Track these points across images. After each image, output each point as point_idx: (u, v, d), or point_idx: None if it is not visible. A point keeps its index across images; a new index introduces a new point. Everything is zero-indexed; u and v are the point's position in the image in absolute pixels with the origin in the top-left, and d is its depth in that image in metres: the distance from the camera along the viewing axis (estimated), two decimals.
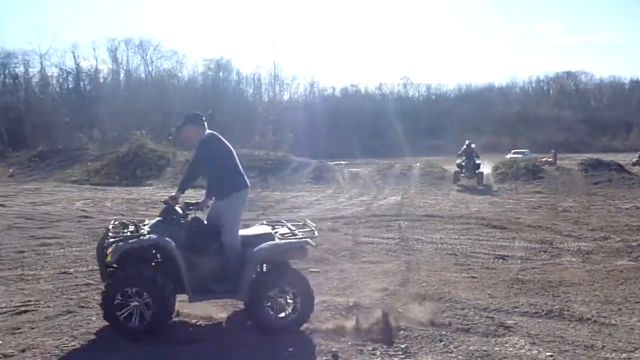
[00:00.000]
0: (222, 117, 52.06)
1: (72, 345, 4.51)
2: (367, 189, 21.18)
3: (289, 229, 5.35)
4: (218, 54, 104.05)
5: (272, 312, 4.77)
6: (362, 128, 61.64)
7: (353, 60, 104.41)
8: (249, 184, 5.42)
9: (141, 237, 4.71)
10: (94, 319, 5.09)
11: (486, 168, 23.07)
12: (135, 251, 4.67)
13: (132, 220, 5.44)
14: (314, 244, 5.02)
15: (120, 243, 4.64)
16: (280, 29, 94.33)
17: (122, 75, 62.21)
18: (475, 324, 5.09)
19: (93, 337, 4.71)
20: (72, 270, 7.14)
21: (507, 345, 4.61)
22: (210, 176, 5.21)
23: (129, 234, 4.84)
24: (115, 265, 4.72)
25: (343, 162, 34.50)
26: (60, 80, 59.32)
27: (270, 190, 20.72)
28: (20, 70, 55.22)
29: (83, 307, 5.55)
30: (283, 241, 4.99)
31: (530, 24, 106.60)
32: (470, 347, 4.52)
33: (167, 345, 4.50)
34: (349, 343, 4.58)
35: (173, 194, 5.22)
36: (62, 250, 8.45)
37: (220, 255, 4.92)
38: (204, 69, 64.82)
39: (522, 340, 4.70)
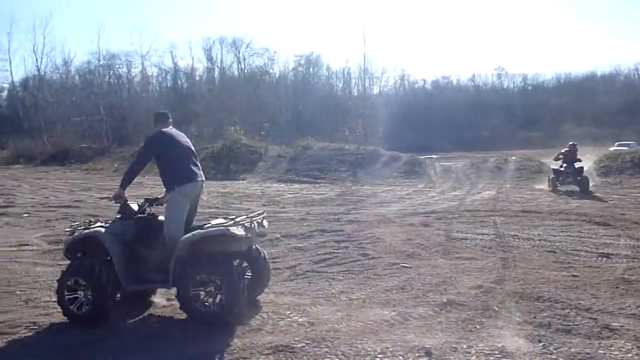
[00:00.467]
0: (312, 112, 52.92)
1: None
2: (460, 183, 20.72)
3: (234, 220, 5.23)
4: (308, 49, 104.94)
5: (198, 301, 4.77)
6: (454, 121, 60.36)
7: (445, 51, 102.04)
8: (197, 178, 5.33)
9: (85, 231, 5.12)
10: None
11: (587, 162, 21.68)
12: (84, 243, 5.10)
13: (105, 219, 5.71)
14: (238, 233, 4.86)
15: (69, 236, 5.16)
16: (370, 21, 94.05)
17: (216, 73, 64.39)
18: (577, 325, 4.82)
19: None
20: None
21: (613, 348, 4.33)
22: (159, 171, 5.32)
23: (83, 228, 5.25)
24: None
25: (434, 156, 33.97)
26: (160, 79, 62.44)
27: (360, 185, 20.76)
28: (123, 70, 58.61)
29: None
30: (202, 230, 4.95)
31: (637, 7, 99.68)
32: (572, 350, 4.29)
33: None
34: (443, 340, 4.49)
35: (117, 191, 5.32)
36: None
37: (163, 246, 5.05)
38: (295, 64, 65.89)
39: (629, 344, 4.40)
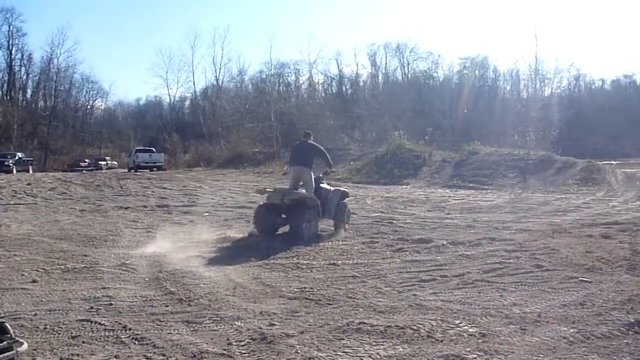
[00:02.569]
0: (478, 115, 51.47)
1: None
2: None
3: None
4: (474, 51, 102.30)
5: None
6: (637, 124, 54.92)
7: (627, 48, 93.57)
8: (291, 165, 10.92)
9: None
10: (360, 310, 5.40)
11: None
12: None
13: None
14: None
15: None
16: (541, 20, 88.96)
17: (380, 78, 65.26)
18: None
19: (357, 326, 4.96)
20: (339, 262, 7.69)
21: None
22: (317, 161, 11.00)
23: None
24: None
25: (614, 162, 31.27)
26: (325, 85, 64.74)
27: (530, 192, 19.82)
28: (292, 78, 61.77)
29: (350, 297, 5.91)
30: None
31: None
32: None
33: None
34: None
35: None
36: (329, 243, 9.16)
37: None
38: (460, 67, 64.58)
39: None
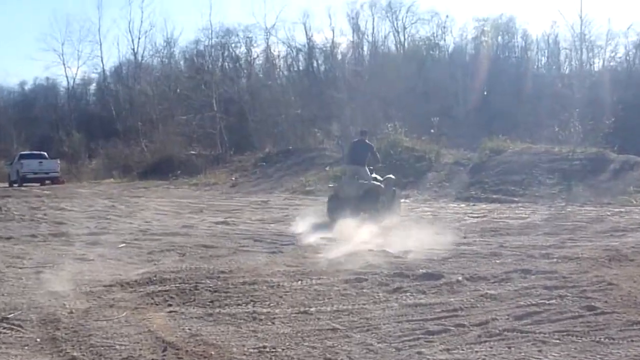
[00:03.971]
0: (503, 99, 51.89)
1: None
2: None
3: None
4: (495, 11, 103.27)
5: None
6: None
7: None
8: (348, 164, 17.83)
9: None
10: None
11: None
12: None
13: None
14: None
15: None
16: None
17: (365, 49, 65.50)
18: None
19: None
20: (313, 309, 7.68)
21: None
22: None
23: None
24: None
25: None
26: (289, 60, 64.56)
27: (578, 204, 20.11)
28: (241, 51, 61.49)
29: (329, 359, 5.91)
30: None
31: None
32: None
33: None
34: None
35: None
36: (299, 282, 9.15)
37: None
38: (476, 33, 64.92)
39: None
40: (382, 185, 16.91)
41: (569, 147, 26.37)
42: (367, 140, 17.57)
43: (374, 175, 17.04)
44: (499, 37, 65.37)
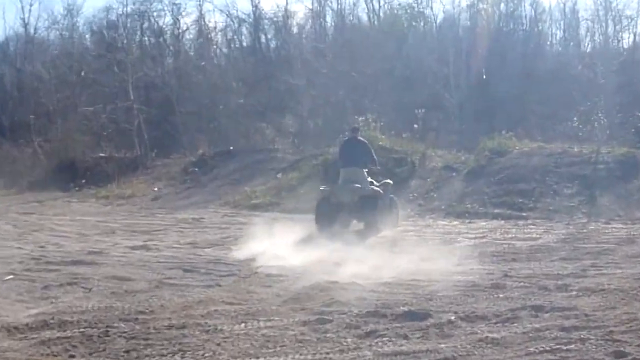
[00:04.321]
0: (505, 84, 52.10)
1: None
2: None
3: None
4: None
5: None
6: None
7: None
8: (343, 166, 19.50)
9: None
10: None
11: None
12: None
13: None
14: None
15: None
16: None
17: (329, 19, 65.35)
18: None
19: None
20: None
21: None
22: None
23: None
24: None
25: None
26: (229, 34, 64.25)
27: (602, 221, 20.31)
28: (166, 22, 60.90)
29: None
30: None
31: None
32: None
33: None
34: None
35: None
36: (242, 325, 9.12)
37: None
38: None
39: None
40: (381, 191, 19.09)
41: (591, 147, 26.52)
42: (360, 138, 19.98)
43: (369, 179, 19.14)
44: (502, 5, 65.60)
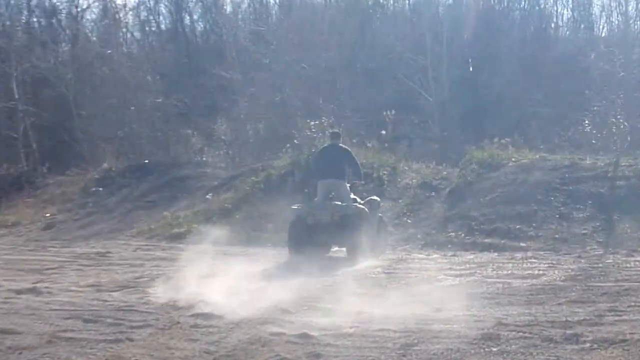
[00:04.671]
0: (497, 79, 52.39)
1: None
2: None
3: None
4: None
5: None
6: None
7: None
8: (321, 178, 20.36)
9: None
10: None
11: None
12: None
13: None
14: None
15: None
16: None
17: None
18: None
19: None
20: None
21: None
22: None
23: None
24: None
25: None
26: (143, 15, 64.22)
27: (624, 253, 20.46)
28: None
29: None
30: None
31: None
32: None
33: None
34: None
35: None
36: None
37: None
38: None
39: None
40: (367, 210, 19.72)
41: (608, 158, 26.66)
42: (341, 145, 20.94)
43: (352, 195, 20.24)
44: None
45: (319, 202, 19.97)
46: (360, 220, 19.13)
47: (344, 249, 19.63)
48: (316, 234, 19.03)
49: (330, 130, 23.38)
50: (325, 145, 21.74)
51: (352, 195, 20.00)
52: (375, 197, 21.46)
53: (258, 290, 15.31)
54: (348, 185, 20.13)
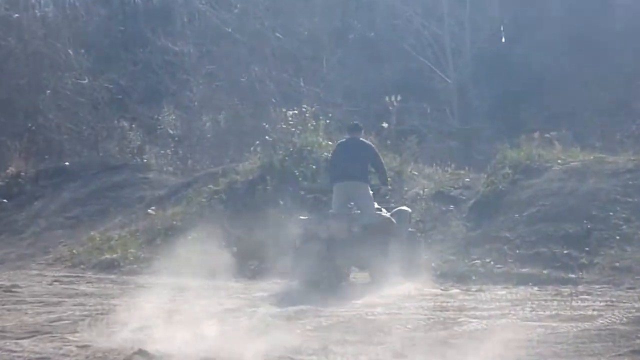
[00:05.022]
0: (538, 55, 52.58)
1: None
2: None
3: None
4: None
5: None
6: None
7: None
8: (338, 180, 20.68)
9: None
10: None
11: None
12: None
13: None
14: None
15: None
16: None
17: None
18: None
19: None
20: None
21: None
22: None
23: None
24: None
25: None
26: None
27: None
28: None
29: None
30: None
31: None
32: None
33: None
34: None
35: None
36: None
37: None
38: None
39: None
40: (394, 220, 19.83)
41: None
42: (363, 139, 20.96)
43: (375, 204, 20.14)
44: None
45: (335, 210, 19.77)
46: (386, 233, 19.07)
47: (368, 272, 19.55)
48: (330, 252, 18.47)
49: (353, 122, 22.55)
50: (343, 139, 21.44)
51: (375, 204, 19.84)
52: (405, 208, 21.46)
53: (215, 338, 15.30)
54: (371, 191, 20.00)
